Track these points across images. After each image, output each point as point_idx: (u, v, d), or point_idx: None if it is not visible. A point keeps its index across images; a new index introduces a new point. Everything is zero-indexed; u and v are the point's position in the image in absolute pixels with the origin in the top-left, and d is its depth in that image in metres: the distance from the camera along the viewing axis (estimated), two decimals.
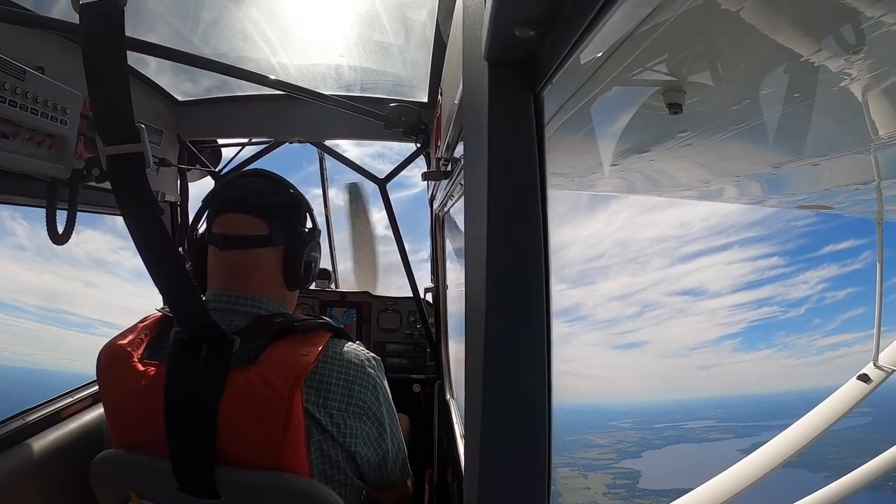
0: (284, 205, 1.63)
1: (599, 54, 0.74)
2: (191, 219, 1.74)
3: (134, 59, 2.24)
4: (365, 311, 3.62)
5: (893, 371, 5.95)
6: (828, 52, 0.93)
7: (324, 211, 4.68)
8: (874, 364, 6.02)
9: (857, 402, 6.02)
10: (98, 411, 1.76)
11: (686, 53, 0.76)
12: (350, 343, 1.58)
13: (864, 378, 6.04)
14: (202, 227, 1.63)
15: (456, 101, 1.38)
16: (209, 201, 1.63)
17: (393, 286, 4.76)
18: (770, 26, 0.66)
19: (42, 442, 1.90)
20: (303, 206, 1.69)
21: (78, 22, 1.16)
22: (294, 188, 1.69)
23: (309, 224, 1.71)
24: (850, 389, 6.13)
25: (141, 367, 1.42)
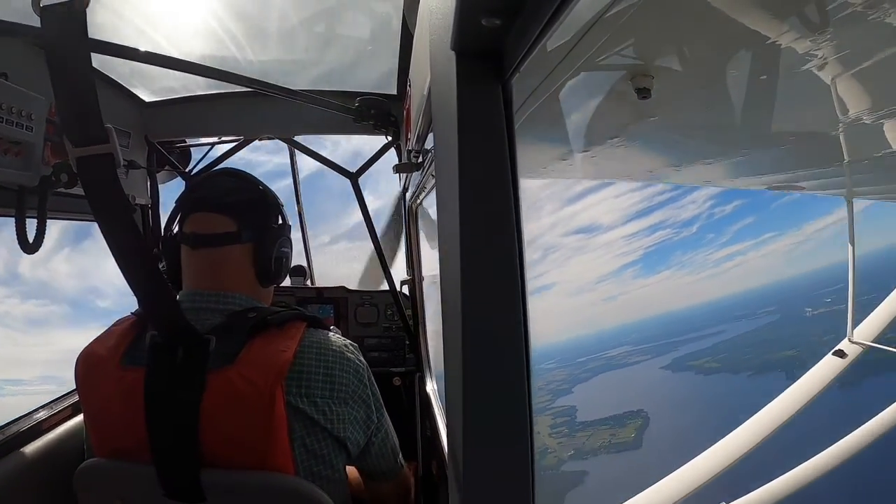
0: (253, 202, 1.62)
1: (567, 40, 0.74)
2: (163, 221, 1.73)
3: (98, 61, 2.20)
4: (342, 306, 3.60)
5: (868, 346, 6.07)
6: (794, 33, 0.94)
7: (296, 207, 4.64)
8: (849, 340, 6.14)
9: (833, 378, 6.14)
10: (79, 420, 1.74)
11: (654, 38, 0.76)
12: (325, 331, 1.58)
13: (840, 353, 6.15)
14: (175, 228, 1.62)
15: (425, 93, 1.37)
16: (180, 202, 1.62)
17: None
18: (736, 9, 0.65)
19: (23, 455, 1.87)
20: (271, 203, 1.67)
21: (39, 25, 1.14)
22: (263, 185, 1.69)
23: (279, 221, 1.69)
24: (826, 365, 6.25)
25: (119, 373, 1.40)
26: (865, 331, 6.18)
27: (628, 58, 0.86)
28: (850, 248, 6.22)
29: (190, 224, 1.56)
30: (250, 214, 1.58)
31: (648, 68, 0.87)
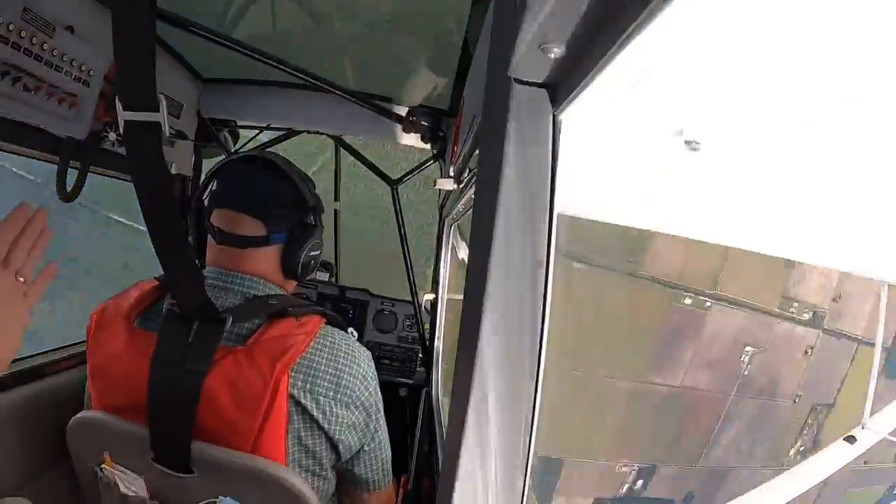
0: (286, 203, 1.61)
1: (623, 82, 0.74)
2: None
3: (163, 30, 2.25)
4: (362, 308, 3.61)
5: (881, 435, 5.92)
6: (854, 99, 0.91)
7: (334, 204, 4.66)
8: (862, 426, 6.00)
9: (842, 464, 6.00)
10: (82, 372, 1.78)
11: (710, 92, 0.76)
12: (343, 332, 1.58)
13: (850, 439, 6.02)
14: (206, 200, 1.63)
15: (476, 113, 1.38)
16: (212, 184, 1.63)
17: None
18: (793, 72, 0.65)
19: (22, 394, 1.90)
20: (307, 203, 1.65)
21: None
22: (301, 181, 1.65)
23: (312, 221, 1.68)
24: (836, 450, 6.11)
25: (131, 333, 1.43)
26: (880, 421, 6.03)
27: (683, 108, 0.85)
28: (878, 335, 6.10)
29: (217, 218, 1.57)
30: (283, 217, 1.59)
31: (702, 121, 0.86)
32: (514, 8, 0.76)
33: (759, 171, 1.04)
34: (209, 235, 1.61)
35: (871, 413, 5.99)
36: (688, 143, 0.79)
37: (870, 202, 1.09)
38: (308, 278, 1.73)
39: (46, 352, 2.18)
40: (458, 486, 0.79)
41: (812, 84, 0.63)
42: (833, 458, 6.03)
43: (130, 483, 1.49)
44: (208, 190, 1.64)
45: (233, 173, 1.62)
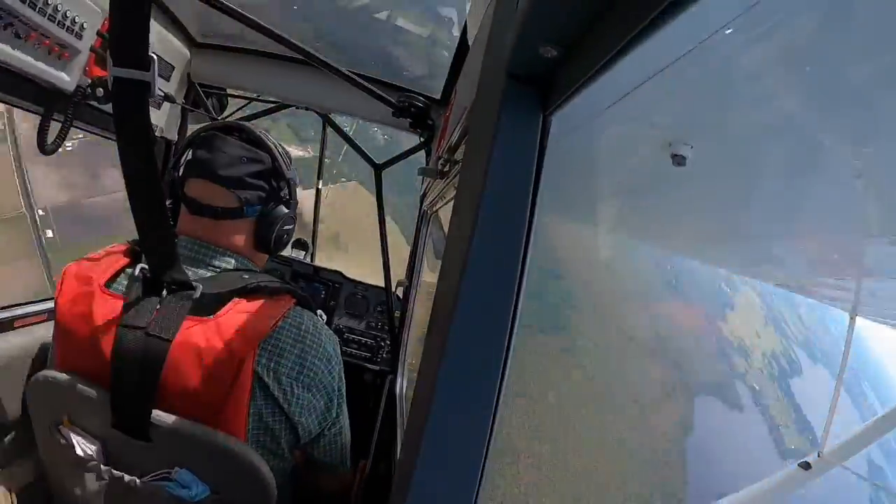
0: (259, 174, 1.58)
1: (617, 88, 0.74)
2: None
3: None
4: (334, 291, 3.59)
5: (835, 464, 6.04)
6: (837, 139, 0.93)
7: (315, 182, 4.62)
8: (819, 453, 6.12)
9: (794, 489, 6.11)
10: (49, 329, 1.76)
11: (699, 108, 0.76)
12: (312, 314, 1.57)
13: (805, 465, 6.13)
14: (181, 170, 1.60)
15: (467, 105, 1.37)
16: (187, 151, 1.60)
17: None
18: (785, 97, 0.65)
19: None
20: (280, 175, 1.63)
21: None
22: (276, 150, 1.63)
23: (286, 194, 1.66)
24: (789, 475, 6.22)
25: (100, 296, 1.40)
26: (837, 450, 6.15)
27: (671, 121, 0.86)
28: (840, 364, 6.21)
29: (190, 188, 1.54)
30: (256, 189, 1.56)
31: (689, 137, 0.87)
32: (514, 6, 0.76)
33: (743, 190, 1.06)
34: (182, 205, 1.58)
35: (828, 441, 6.11)
36: (674, 157, 0.79)
37: (851, 231, 1.11)
38: (284, 254, 1.72)
39: (16, 304, 2.14)
40: (416, 473, 0.79)
41: (802, 103, 0.64)
42: (786, 484, 6.14)
43: (87, 446, 1.47)
44: (183, 158, 1.61)
45: (208, 143, 1.58)
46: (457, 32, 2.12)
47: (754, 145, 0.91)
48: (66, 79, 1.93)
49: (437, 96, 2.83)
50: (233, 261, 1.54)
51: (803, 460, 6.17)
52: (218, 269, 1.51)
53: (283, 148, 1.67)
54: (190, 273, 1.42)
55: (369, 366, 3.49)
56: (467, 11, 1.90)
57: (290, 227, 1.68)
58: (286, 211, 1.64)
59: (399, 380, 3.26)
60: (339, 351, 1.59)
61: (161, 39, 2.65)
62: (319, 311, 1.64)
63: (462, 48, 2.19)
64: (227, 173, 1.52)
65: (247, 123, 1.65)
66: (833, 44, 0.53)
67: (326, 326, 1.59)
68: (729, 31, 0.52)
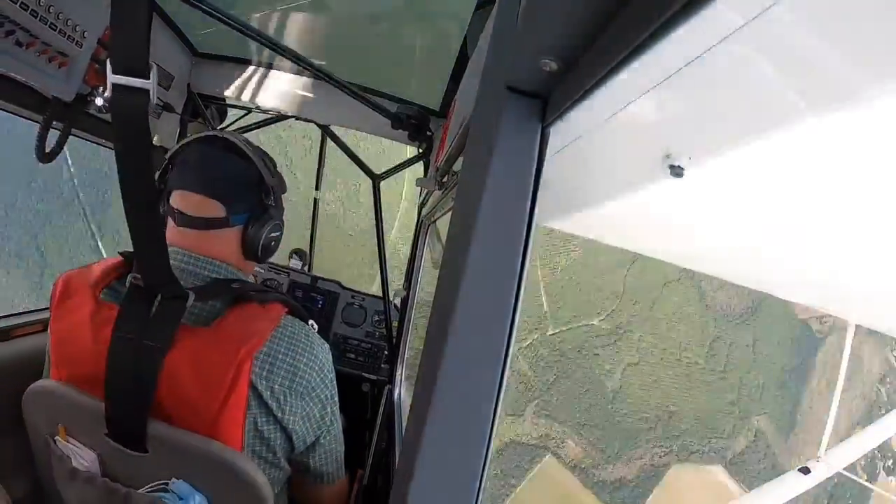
0: (245, 184, 1.60)
1: (616, 100, 0.74)
2: None
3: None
4: (332, 300, 3.59)
5: (835, 470, 6.03)
6: (838, 148, 0.92)
7: (314, 193, 4.64)
8: (817, 459, 6.11)
9: (794, 495, 6.09)
10: (45, 339, 1.75)
11: (697, 120, 0.76)
12: (303, 323, 1.58)
13: (805, 470, 6.12)
14: (167, 182, 1.60)
15: (466, 117, 1.38)
16: (171, 163, 1.60)
17: None
18: (781, 109, 0.65)
19: None
20: (266, 183, 1.63)
21: None
22: (262, 161, 1.64)
23: (272, 202, 1.66)
24: (789, 480, 6.21)
25: (95, 305, 1.41)
26: (836, 455, 6.14)
27: (669, 134, 0.86)
28: (840, 371, 6.22)
29: (176, 199, 1.56)
30: (241, 198, 1.58)
31: (686, 149, 0.87)
32: (515, 18, 0.77)
33: (741, 204, 1.06)
34: (168, 217, 1.59)
35: (827, 447, 6.11)
36: (672, 168, 0.79)
37: (850, 238, 1.11)
38: (281, 265, 1.73)
39: (14, 314, 2.13)
40: (412, 486, 0.78)
41: (802, 117, 0.64)
42: (786, 490, 6.13)
43: (83, 458, 1.47)
44: (168, 171, 1.61)
45: (192, 155, 1.60)
46: (457, 44, 2.13)
47: (753, 156, 0.91)
48: (65, 87, 1.94)
49: (436, 108, 2.84)
50: (222, 270, 1.54)
51: (803, 465, 6.16)
52: (207, 279, 1.51)
53: (268, 155, 1.68)
54: (181, 282, 1.43)
55: (367, 375, 3.49)
56: (467, 24, 1.91)
57: (278, 234, 1.70)
58: (272, 218, 1.64)
59: (397, 389, 3.25)
60: (331, 359, 1.60)
61: (162, 48, 2.67)
62: (311, 322, 1.65)
63: (461, 60, 2.20)
64: (212, 183, 1.54)
65: (230, 131, 1.66)
66: (832, 56, 0.53)
67: (318, 335, 1.60)
68: (728, 44, 0.52)
